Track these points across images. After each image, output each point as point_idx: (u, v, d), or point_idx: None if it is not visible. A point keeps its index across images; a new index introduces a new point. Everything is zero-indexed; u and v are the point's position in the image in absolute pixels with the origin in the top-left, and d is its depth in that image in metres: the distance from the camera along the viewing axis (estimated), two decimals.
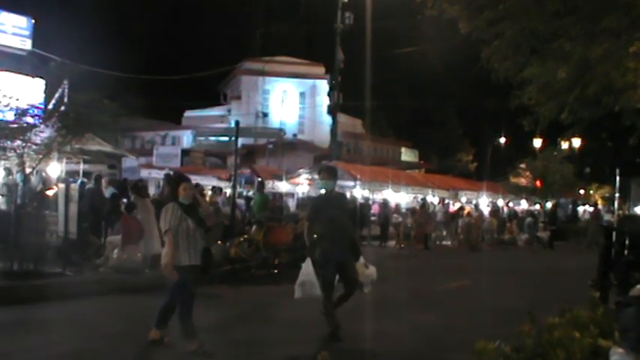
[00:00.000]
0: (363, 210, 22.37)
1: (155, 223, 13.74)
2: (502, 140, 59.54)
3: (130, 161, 27.06)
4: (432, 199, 30.39)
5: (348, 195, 28.20)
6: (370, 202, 28.53)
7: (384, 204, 27.48)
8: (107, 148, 18.12)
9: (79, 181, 15.85)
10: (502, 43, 8.79)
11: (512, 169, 39.84)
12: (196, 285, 7.39)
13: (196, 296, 7.36)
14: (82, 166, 19.90)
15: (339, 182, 28.71)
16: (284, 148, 40.93)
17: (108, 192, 16.33)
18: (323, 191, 9.46)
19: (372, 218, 26.63)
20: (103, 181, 16.48)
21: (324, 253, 8.33)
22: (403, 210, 28.12)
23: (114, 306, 10.58)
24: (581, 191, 46.72)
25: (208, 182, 29.28)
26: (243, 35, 78.05)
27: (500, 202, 35.93)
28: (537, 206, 38.20)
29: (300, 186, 30.15)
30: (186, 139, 47.63)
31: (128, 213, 13.55)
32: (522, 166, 38.70)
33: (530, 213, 34.75)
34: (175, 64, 57.91)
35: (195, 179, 17.64)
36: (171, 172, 18.49)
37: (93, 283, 11.81)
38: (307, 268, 8.20)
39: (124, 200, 15.35)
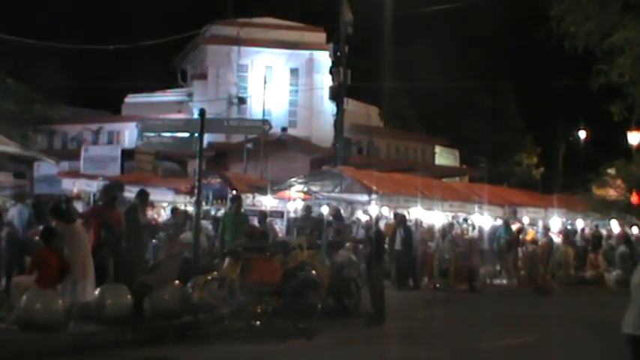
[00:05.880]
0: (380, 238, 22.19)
1: (89, 258, 13.66)
2: (581, 135, 59.56)
3: (46, 167, 27.04)
4: (480, 218, 30.29)
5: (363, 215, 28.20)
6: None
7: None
8: (12, 148, 18.00)
9: None
10: None
11: (597, 176, 39.73)
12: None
13: None
14: None
15: (347, 196, 28.81)
16: (269, 148, 40.86)
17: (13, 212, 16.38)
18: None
19: None
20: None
21: None
22: (437, 235, 28.05)
23: None
24: None
25: (162, 197, 29.16)
26: None
27: (580, 224, 35.82)
28: (635, 229, 38.05)
29: (291, 202, 30.02)
30: (128, 135, 47.49)
31: (46, 244, 13.44)
32: (611, 171, 38.59)
33: (624, 239, 34.48)
34: (114, 29, 57.97)
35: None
36: (108, 182, 18.43)
37: None
38: None
39: None
